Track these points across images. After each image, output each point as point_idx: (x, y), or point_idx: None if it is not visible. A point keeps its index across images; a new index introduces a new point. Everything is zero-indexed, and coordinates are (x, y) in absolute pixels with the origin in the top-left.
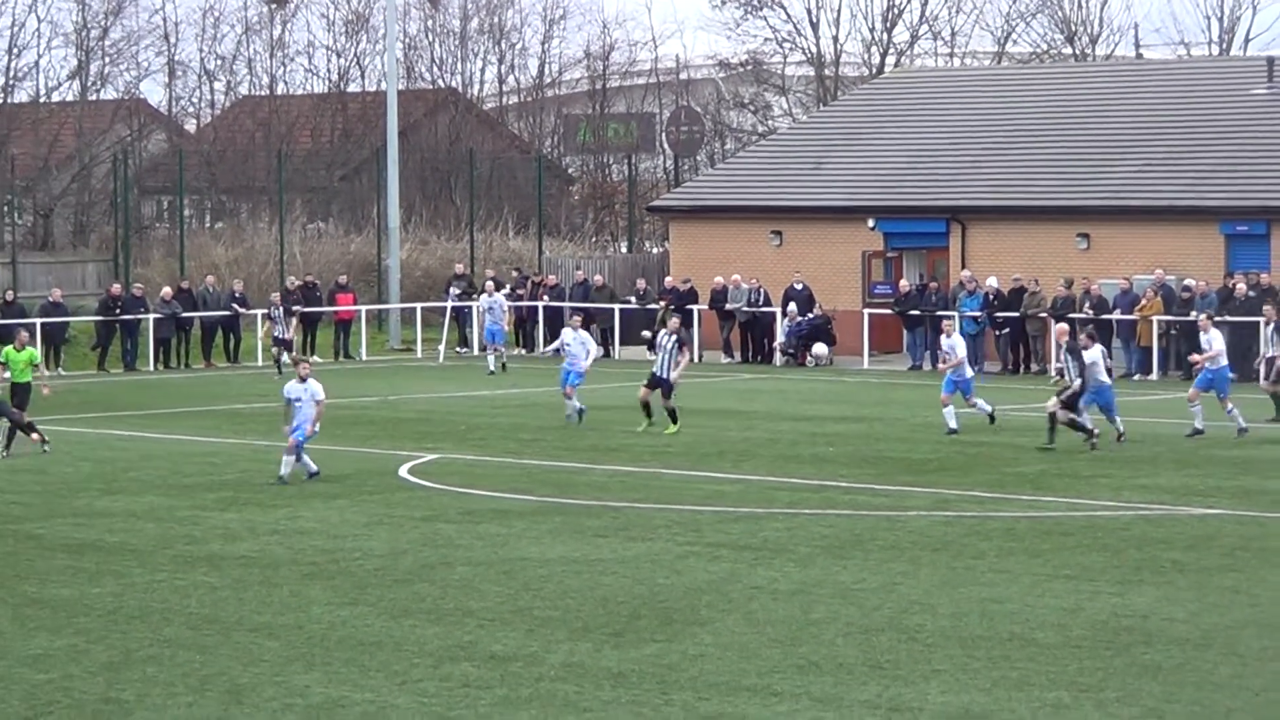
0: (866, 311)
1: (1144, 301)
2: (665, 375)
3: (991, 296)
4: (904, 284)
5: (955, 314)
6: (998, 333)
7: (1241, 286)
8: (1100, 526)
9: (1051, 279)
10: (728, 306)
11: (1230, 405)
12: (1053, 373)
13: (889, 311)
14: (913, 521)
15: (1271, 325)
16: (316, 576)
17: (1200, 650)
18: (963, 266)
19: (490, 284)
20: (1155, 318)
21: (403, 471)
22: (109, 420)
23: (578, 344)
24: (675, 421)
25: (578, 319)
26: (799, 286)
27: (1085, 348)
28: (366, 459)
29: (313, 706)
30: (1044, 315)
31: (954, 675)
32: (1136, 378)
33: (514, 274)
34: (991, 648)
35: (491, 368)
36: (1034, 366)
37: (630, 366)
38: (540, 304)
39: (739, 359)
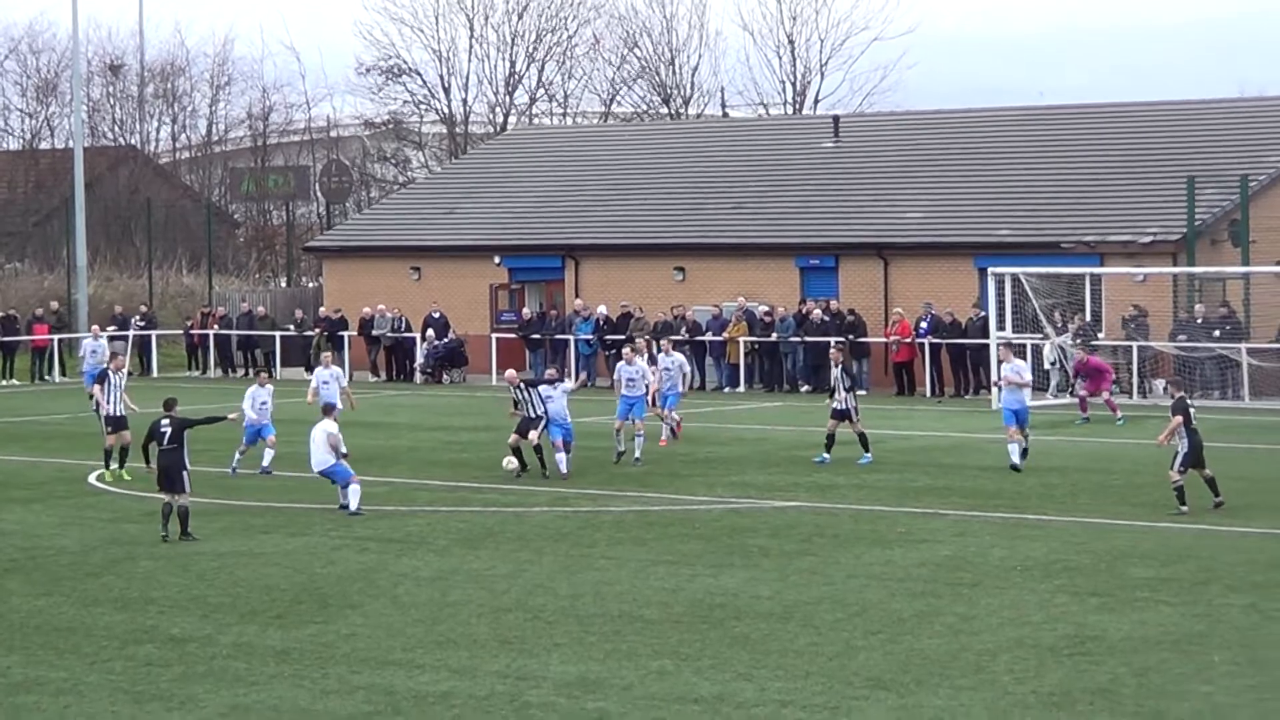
0: (494, 336)
1: (731, 325)
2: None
3: (602, 321)
4: (526, 312)
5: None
6: (608, 353)
7: (817, 312)
8: (697, 518)
9: (653, 306)
10: (374, 333)
11: (1027, 435)
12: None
13: (514, 335)
14: (536, 516)
15: (839, 367)
16: (15, 571)
17: (782, 623)
18: (576, 296)
19: (95, 327)
20: (741, 339)
21: (91, 479)
22: None
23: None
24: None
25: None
26: (436, 315)
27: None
28: (59, 468)
29: (14, 685)
30: (647, 338)
31: (572, 648)
32: (727, 390)
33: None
34: (604, 624)
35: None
36: None
37: (290, 385)
38: (211, 332)
39: (385, 378)
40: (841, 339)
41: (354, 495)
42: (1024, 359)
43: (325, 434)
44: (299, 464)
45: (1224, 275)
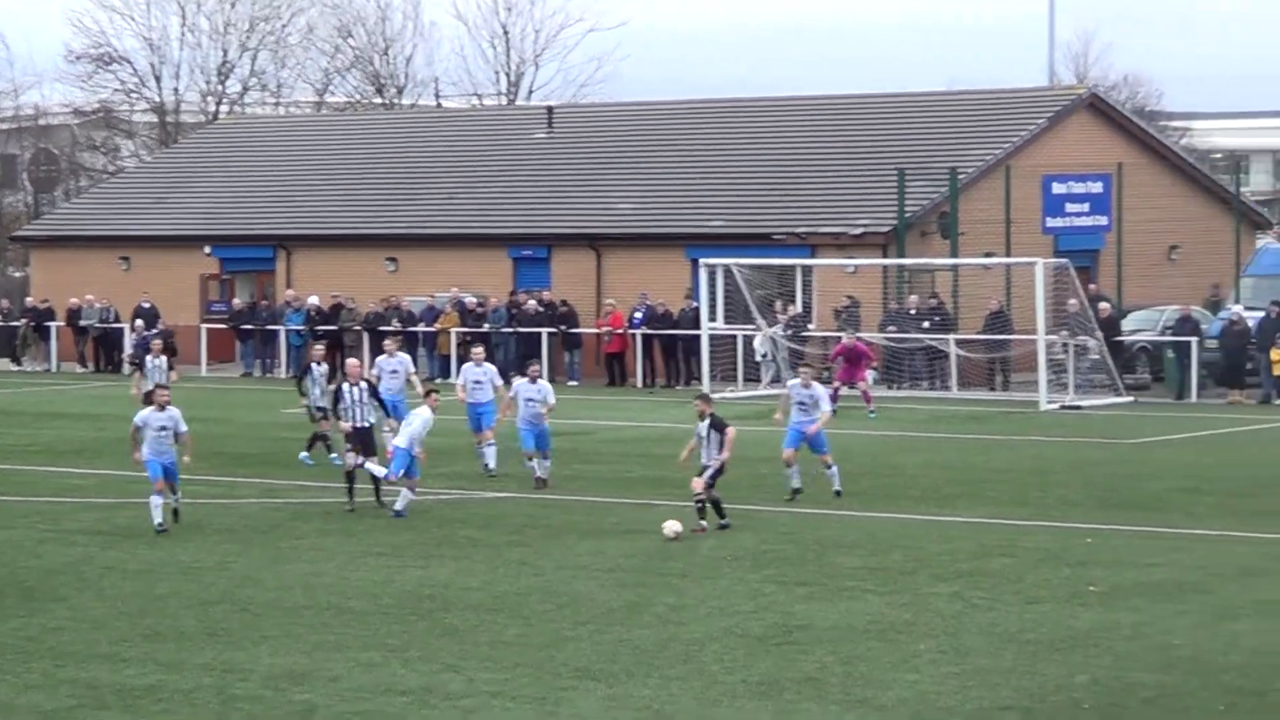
0: (204, 326)
1: (444, 315)
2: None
3: (313, 312)
4: (237, 302)
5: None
6: (317, 343)
7: (531, 303)
8: (408, 509)
9: (365, 297)
10: (82, 323)
11: (832, 463)
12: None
13: (224, 326)
14: (245, 507)
15: (707, 421)
16: None
17: (492, 614)
18: (288, 286)
19: None
20: (453, 330)
21: None
22: None
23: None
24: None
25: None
26: (146, 305)
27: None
28: None
29: None
30: (358, 328)
31: (280, 640)
32: (439, 381)
33: None
34: (313, 616)
35: None
36: None
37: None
38: None
39: (93, 369)
40: (704, 393)
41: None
42: (823, 384)
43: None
44: (7, 455)
45: (933, 267)
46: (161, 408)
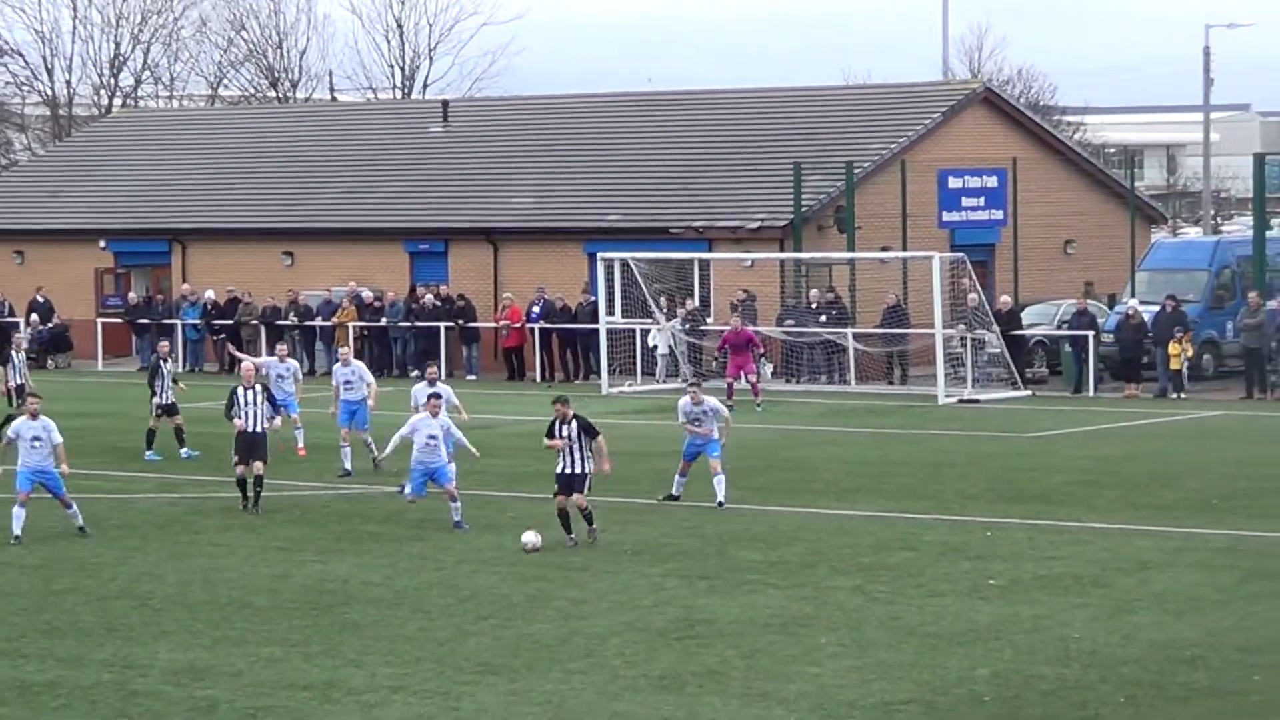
0: (100, 320)
1: (341, 310)
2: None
3: (210, 306)
4: (133, 296)
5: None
6: (215, 338)
7: (428, 298)
8: (305, 504)
9: (261, 291)
10: None
11: (720, 470)
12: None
13: (120, 320)
14: (142, 503)
15: (574, 424)
16: None
17: (393, 608)
18: (184, 280)
19: None
20: (350, 324)
21: None
22: None
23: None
24: None
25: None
26: (41, 299)
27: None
28: None
29: None
30: (255, 322)
31: (180, 635)
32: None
33: None
34: (213, 611)
35: None
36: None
37: None
38: None
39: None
40: (563, 395)
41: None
42: (711, 396)
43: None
44: None
45: (830, 260)
46: (34, 416)
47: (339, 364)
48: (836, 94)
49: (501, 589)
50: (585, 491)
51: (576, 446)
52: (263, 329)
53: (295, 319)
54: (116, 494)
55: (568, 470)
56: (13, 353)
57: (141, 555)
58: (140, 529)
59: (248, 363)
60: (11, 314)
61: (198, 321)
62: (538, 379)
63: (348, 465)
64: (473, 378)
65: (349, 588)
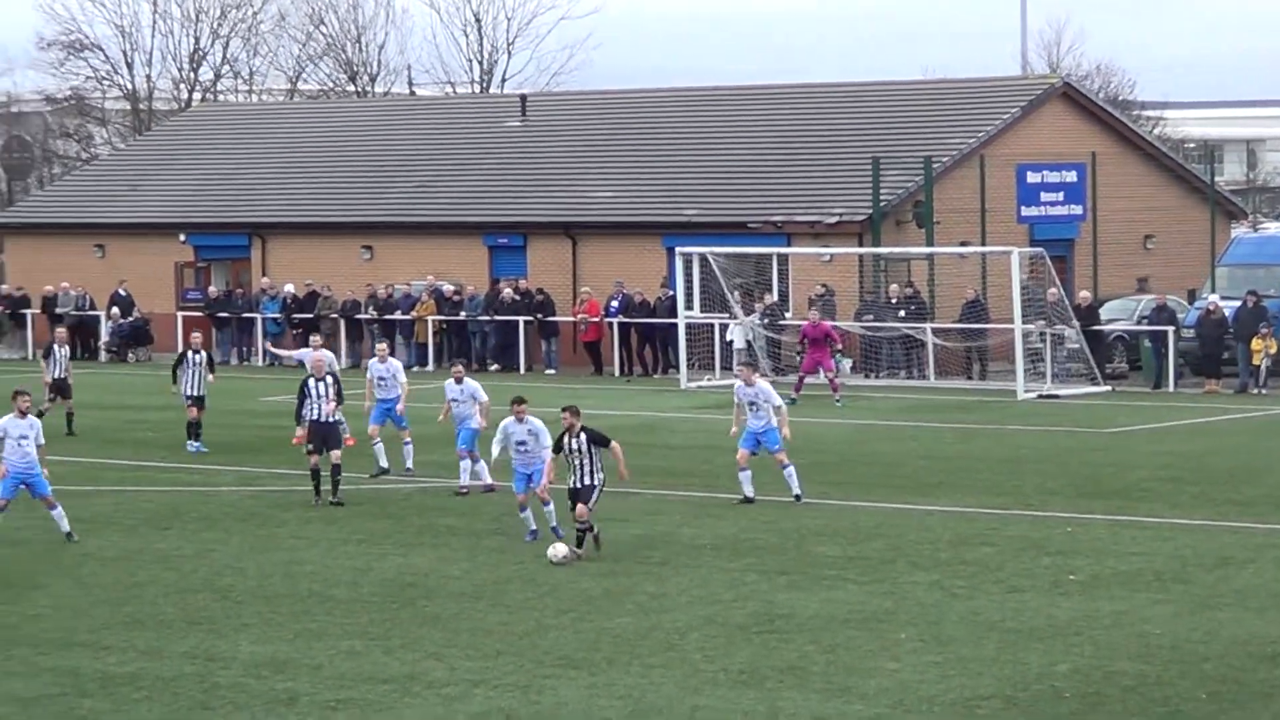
0: (180, 314)
1: (421, 304)
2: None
3: (289, 300)
4: (213, 290)
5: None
6: (295, 331)
7: (507, 291)
8: (385, 498)
9: (341, 285)
10: (58, 310)
11: (788, 462)
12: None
13: (199, 314)
14: (224, 496)
15: (583, 436)
16: None
17: (474, 602)
18: (263, 274)
19: None
20: (430, 317)
21: None
22: None
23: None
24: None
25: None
26: (122, 293)
27: None
28: None
29: None
30: (335, 316)
31: (261, 628)
32: (415, 369)
33: None
34: (294, 603)
35: None
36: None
37: None
38: None
39: (69, 356)
40: (572, 405)
41: None
42: (763, 380)
43: None
44: None
45: (909, 255)
46: (23, 414)
47: (375, 360)
48: (915, 88)
49: (581, 583)
50: (591, 503)
51: (586, 459)
52: (342, 323)
53: (375, 313)
54: (197, 487)
55: (576, 484)
56: (55, 347)
57: (223, 548)
58: (221, 522)
59: (318, 354)
60: (92, 307)
61: (278, 315)
62: (616, 373)
63: (383, 463)
64: (552, 372)
65: (429, 581)
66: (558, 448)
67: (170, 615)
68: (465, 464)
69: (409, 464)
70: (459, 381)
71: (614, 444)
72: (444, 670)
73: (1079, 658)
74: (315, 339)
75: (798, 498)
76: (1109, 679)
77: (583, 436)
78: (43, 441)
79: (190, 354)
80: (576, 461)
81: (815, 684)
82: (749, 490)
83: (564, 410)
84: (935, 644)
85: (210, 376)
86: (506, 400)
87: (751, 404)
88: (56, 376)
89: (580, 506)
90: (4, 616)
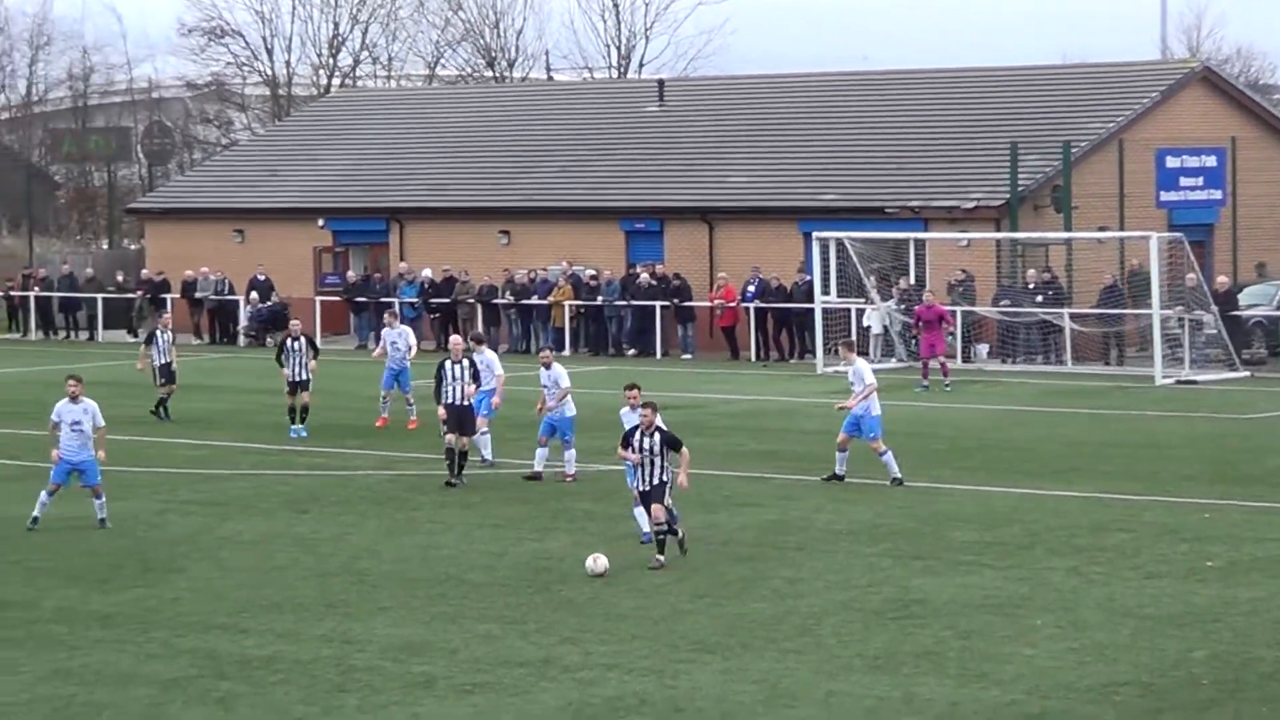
0: (318, 298)
1: (556, 288)
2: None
3: (426, 285)
4: (351, 275)
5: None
6: (432, 316)
7: (644, 276)
8: (521, 483)
9: (478, 270)
10: (197, 295)
11: (884, 449)
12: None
13: (338, 298)
14: (361, 480)
15: (657, 436)
16: None
17: (609, 586)
18: (401, 259)
19: None
20: (567, 302)
21: None
22: None
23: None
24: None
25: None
26: (260, 278)
27: None
28: None
29: None
30: (472, 300)
31: (398, 612)
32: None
33: None
34: (430, 587)
35: None
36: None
37: (116, 347)
38: (32, 294)
39: (208, 340)
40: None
41: None
42: (864, 357)
43: None
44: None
45: (1047, 241)
46: (75, 399)
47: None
48: (1053, 73)
49: (717, 568)
50: (666, 500)
51: (658, 459)
52: (479, 307)
53: (511, 297)
54: (335, 471)
55: (645, 487)
56: (157, 332)
57: (359, 532)
58: (358, 505)
59: (456, 337)
60: (231, 292)
61: (415, 300)
62: (752, 358)
63: (487, 454)
64: (688, 356)
65: (564, 565)
66: (625, 443)
67: (307, 598)
68: (541, 451)
69: (486, 454)
70: (547, 367)
71: (684, 450)
72: (579, 654)
73: (1216, 644)
74: (455, 340)
75: (898, 481)
76: (1246, 666)
77: (656, 436)
78: (102, 423)
79: (290, 341)
80: (647, 461)
81: (950, 670)
82: (840, 469)
83: (644, 406)
84: (1071, 630)
85: (312, 362)
86: (619, 387)
87: (851, 385)
88: (162, 362)
89: (656, 506)
90: (144, 599)
